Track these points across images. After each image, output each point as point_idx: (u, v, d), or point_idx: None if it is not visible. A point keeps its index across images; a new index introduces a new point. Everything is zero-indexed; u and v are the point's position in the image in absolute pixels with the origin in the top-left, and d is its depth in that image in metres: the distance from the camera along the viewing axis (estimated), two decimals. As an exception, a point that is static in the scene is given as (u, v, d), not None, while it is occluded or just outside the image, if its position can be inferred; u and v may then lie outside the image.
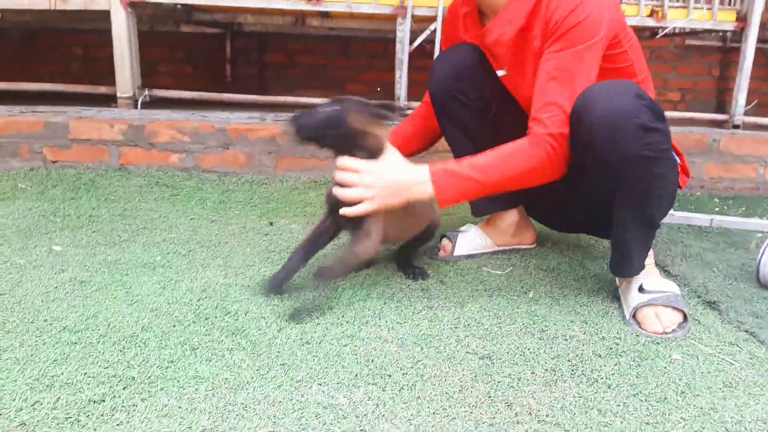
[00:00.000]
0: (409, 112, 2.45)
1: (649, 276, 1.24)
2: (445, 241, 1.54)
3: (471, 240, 1.53)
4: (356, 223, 1.21)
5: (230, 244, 1.56)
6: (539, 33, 1.20)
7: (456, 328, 1.15)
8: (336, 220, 1.26)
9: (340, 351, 1.05)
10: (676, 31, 2.75)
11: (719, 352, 1.09)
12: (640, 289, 1.21)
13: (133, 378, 0.94)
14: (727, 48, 3.78)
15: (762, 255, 1.40)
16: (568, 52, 1.15)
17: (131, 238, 1.56)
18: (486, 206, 1.54)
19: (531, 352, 1.07)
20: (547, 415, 0.89)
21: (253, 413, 0.87)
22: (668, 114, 1.23)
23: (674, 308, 1.17)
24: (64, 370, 0.95)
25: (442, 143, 1.55)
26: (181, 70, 3.85)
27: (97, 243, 1.52)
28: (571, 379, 0.99)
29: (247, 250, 1.52)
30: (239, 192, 2.06)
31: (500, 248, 1.57)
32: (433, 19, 2.38)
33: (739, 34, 2.52)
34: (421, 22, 2.41)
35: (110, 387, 0.91)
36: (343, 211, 1.17)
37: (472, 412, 0.89)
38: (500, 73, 1.34)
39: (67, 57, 3.77)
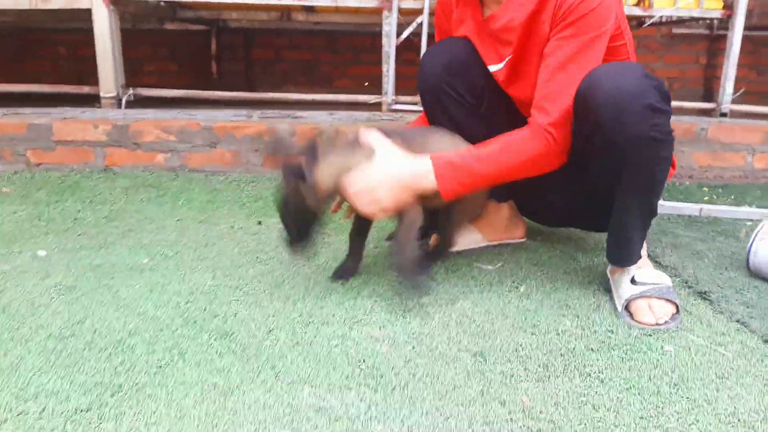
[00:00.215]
0: (396, 106, 2.44)
1: (642, 268, 1.24)
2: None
3: (461, 235, 1.52)
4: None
5: (218, 245, 1.54)
6: (548, 17, 1.18)
7: (447, 325, 1.14)
8: None
9: (331, 352, 1.04)
10: (663, 19, 2.75)
11: (711, 343, 1.09)
12: (632, 281, 1.20)
13: (121, 385, 0.92)
14: (714, 36, 3.80)
15: (751, 243, 1.41)
16: (578, 40, 1.14)
17: (117, 241, 1.54)
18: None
19: (523, 349, 1.06)
20: (540, 412, 0.88)
21: (243, 418, 0.85)
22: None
23: (667, 300, 1.17)
24: (50, 378, 0.93)
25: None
26: (166, 68, 3.81)
27: (82, 246, 1.50)
28: (564, 374, 0.98)
29: (235, 251, 1.50)
30: (227, 191, 2.03)
31: (491, 243, 1.56)
32: (419, 11, 2.36)
33: (725, 21, 2.53)
34: (407, 15, 2.39)
35: (97, 395, 0.90)
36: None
37: (465, 411, 0.88)
38: (495, 68, 1.32)
39: (54, 56, 3.72)
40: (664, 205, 1.90)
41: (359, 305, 1.21)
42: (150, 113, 2.27)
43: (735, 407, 0.91)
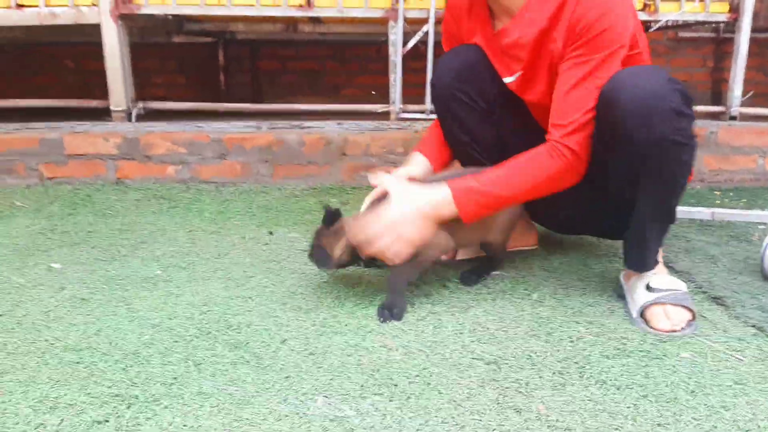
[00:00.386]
0: (404, 115, 2.45)
1: (657, 274, 1.23)
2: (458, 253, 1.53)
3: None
4: None
5: (230, 256, 1.55)
6: (561, 35, 1.17)
7: (461, 333, 1.14)
8: None
9: (345, 361, 1.04)
10: (669, 23, 2.74)
11: (727, 349, 1.08)
12: (648, 287, 1.20)
13: (137, 397, 0.93)
14: (721, 39, 3.78)
15: (765, 248, 1.39)
16: (595, 59, 1.14)
17: (130, 253, 1.55)
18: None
19: (538, 356, 1.06)
20: (557, 420, 0.88)
21: (258, 429, 0.85)
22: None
23: (683, 306, 1.16)
24: (66, 391, 0.94)
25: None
26: (174, 81, 3.84)
27: (96, 259, 1.51)
28: (579, 382, 0.98)
29: (247, 261, 1.51)
30: (237, 202, 2.05)
31: (502, 250, 1.56)
32: (425, 21, 2.37)
33: (732, 24, 2.52)
34: (413, 24, 2.40)
35: (114, 407, 0.90)
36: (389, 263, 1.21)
37: (481, 420, 0.88)
38: (508, 79, 1.31)
39: (62, 70, 3.76)
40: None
41: (372, 314, 1.21)
42: (160, 126, 2.29)
43: (753, 413, 0.90)
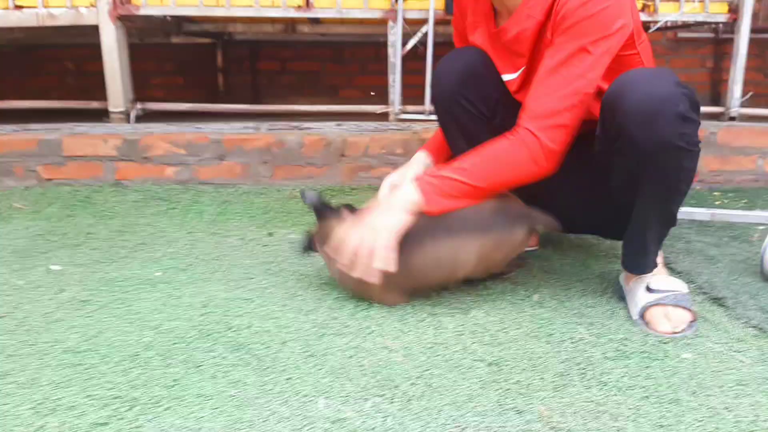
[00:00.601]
0: (403, 116, 2.45)
1: (657, 275, 1.23)
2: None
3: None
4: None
5: (230, 257, 1.54)
6: (551, 26, 1.18)
7: (462, 335, 1.14)
8: None
9: (346, 363, 1.03)
10: (668, 24, 2.75)
11: (729, 350, 1.08)
12: (648, 289, 1.19)
13: (137, 399, 0.92)
14: (720, 39, 3.79)
15: (765, 248, 1.40)
16: (572, 45, 1.13)
17: (130, 255, 1.55)
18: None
19: (539, 357, 1.06)
20: (558, 422, 0.88)
21: (260, 431, 0.85)
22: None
23: (684, 308, 1.16)
24: (67, 393, 0.94)
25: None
26: (173, 82, 3.83)
27: (95, 261, 1.51)
28: (580, 383, 0.98)
29: (246, 262, 1.50)
30: (237, 203, 2.04)
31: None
32: (424, 21, 2.37)
33: (731, 25, 2.52)
34: (413, 25, 2.40)
35: (115, 409, 0.90)
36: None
37: (482, 421, 0.88)
38: (511, 77, 1.31)
39: (61, 72, 3.75)
40: (676, 211, 1.89)
41: (372, 316, 1.21)
42: (159, 127, 2.29)
43: (756, 414, 0.90)
